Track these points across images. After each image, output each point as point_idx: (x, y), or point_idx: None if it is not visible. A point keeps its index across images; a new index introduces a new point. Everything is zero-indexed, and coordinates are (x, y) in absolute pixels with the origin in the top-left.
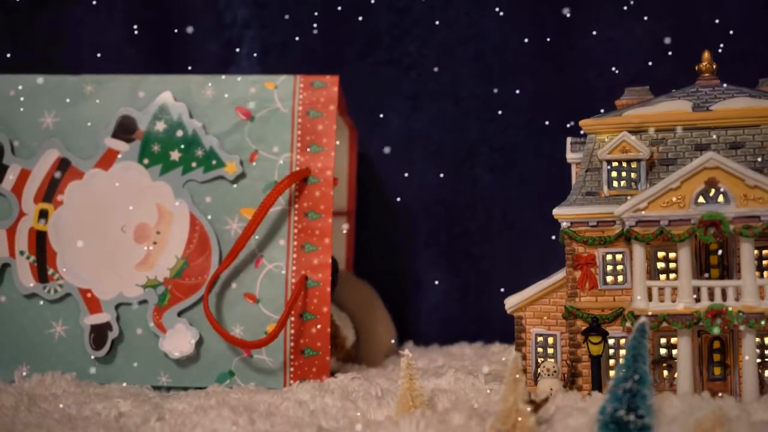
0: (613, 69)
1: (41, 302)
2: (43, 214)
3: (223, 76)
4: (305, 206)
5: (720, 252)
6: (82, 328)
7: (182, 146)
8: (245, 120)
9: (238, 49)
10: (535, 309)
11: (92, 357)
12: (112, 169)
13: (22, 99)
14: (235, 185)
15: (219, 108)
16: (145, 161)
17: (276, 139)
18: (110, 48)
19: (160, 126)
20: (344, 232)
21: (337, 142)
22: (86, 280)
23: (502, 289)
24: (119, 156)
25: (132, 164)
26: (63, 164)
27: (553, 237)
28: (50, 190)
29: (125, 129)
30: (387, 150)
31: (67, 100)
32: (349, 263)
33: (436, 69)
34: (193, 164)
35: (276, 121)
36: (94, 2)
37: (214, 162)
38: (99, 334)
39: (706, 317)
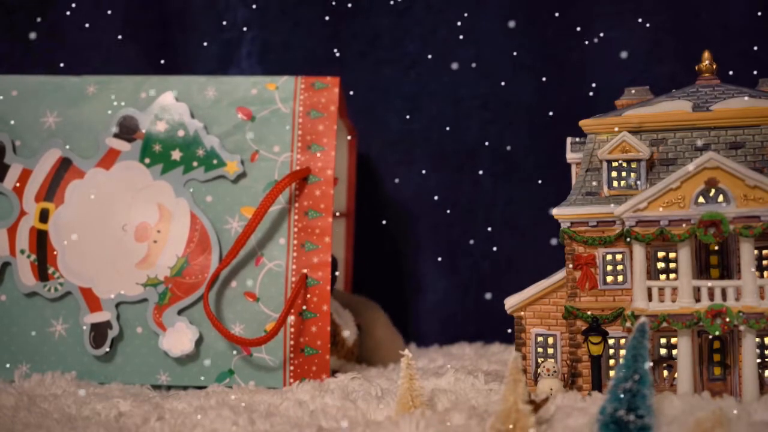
0: (613, 69)
1: (41, 301)
2: (44, 214)
3: (225, 77)
4: (305, 205)
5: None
6: (83, 327)
7: (183, 146)
8: (246, 120)
9: (238, 50)
10: (535, 309)
11: (92, 355)
12: (114, 168)
13: (24, 99)
14: (236, 185)
15: (220, 108)
16: (147, 161)
17: (277, 139)
18: (110, 48)
19: (162, 126)
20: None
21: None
22: (87, 278)
23: (502, 289)
24: (120, 155)
25: (133, 164)
26: (64, 164)
27: (553, 241)
28: (51, 190)
29: (127, 129)
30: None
31: (69, 101)
32: (349, 264)
33: (436, 69)
34: (194, 164)
35: (277, 121)
36: (94, 2)
37: (215, 161)
38: (99, 332)
39: (706, 317)
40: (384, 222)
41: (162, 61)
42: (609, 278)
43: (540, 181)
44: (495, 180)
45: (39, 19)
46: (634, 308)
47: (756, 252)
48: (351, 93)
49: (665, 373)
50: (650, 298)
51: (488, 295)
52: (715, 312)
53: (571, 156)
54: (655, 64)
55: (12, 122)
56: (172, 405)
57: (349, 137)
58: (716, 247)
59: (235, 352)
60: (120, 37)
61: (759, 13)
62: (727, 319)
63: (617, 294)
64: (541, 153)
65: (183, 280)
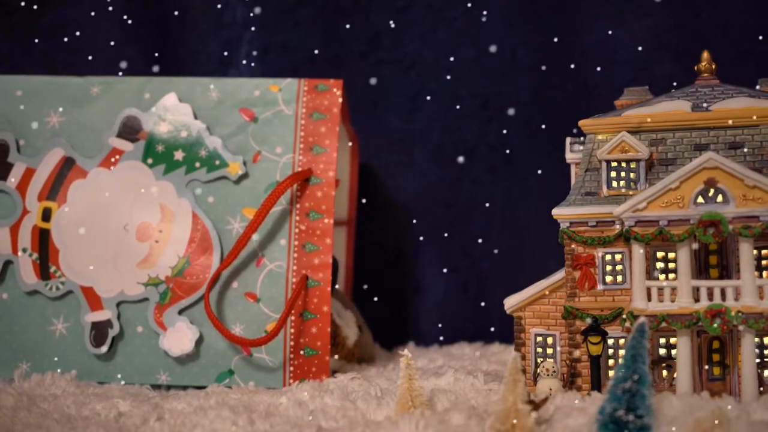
0: (613, 69)
1: (43, 299)
2: (47, 212)
3: (228, 79)
4: (307, 206)
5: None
6: (83, 326)
7: (186, 146)
8: (249, 121)
9: (238, 50)
10: (535, 309)
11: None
12: (116, 168)
13: (28, 99)
14: (237, 185)
15: (223, 109)
16: (149, 161)
17: (279, 140)
18: (110, 48)
19: (165, 126)
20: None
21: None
22: (88, 277)
23: (502, 289)
24: (123, 155)
25: (136, 164)
26: (67, 163)
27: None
28: (54, 189)
29: (130, 129)
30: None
31: (73, 101)
32: (350, 270)
33: (436, 69)
34: (197, 164)
35: (279, 122)
36: (95, 3)
37: (217, 162)
38: (100, 331)
39: (705, 317)
40: (384, 222)
41: (162, 61)
42: (608, 278)
43: (539, 181)
44: (494, 180)
45: (39, 19)
46: (633, 308)
47: (755, 252)
48: (351, 93)
49: (665, 373)
50: (649, 298)
51: (488, 296)
52: (715, 312)
53: (570, 156)
54: (655, 64)
55: (16, 122)
56: (172, 405)
57: (351, 145)
58: (716, 247)
59: (235, 353)
60: (120, 37)
61: (759, 13)
62: (727, 319)
63: (616, 294)
64: (541, 153)
65: (184, 280)
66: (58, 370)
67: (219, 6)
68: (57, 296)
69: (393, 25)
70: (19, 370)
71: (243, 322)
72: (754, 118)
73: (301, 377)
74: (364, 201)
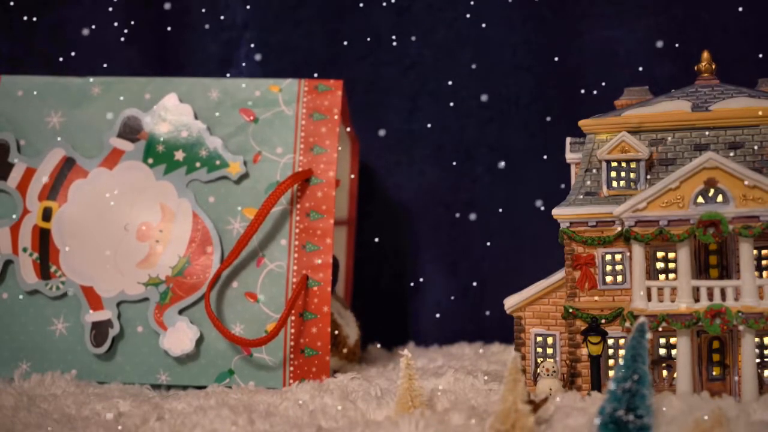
0: (613, 69)
1: (43, 299)
2: (47, 212)
3: (228, 79)
4: (307, 206)
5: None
6: (83, 326)
7: (187, 147)
8: (249, 122)
9: (237, 50)
10: (535, 309)
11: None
12: (117, 168)
13: (29, 99)
14: (238, 185)
15: (224, 110)
16: (150, 161)
17: (279, 140)
18: (110, 48)
19: (166, 127)
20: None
21: (339, 148)
22: (88, 277)
23: (502, 289)
24: (124, 155)
25: (136, 164)
26: (68, 163)
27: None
28: (55, 189)
29: (130, 129)
30: (383, 133)
31: (74, 101)
32: (349, 267)
33: (436, 69)
34: (197, 164)
35: (280, 123)
36: (95, 2)
37: (217, 162)
38: (100, 331)
39: (705, 317)
40: (384, 222)
41: (162, 61)
42: (608, 278)
43: (539, 181)
44: (495, 180)
45: (39, 19)
46: (633, 308)
47: (755, 252)
48: (351, 93)
49: (665, 373)
50: (649, 298)
51: (488, 296)
52: (715, 312)
53: (570, 156)
54: (655, 64)
55: (17, 122)
56: (172, 405)
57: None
58: (715, 247)
59: (235, 353)
60: (120, 37)
61: (759, 13)
62: (727, 319)
63: (616, 294)
64: (541, 153)
65: (184, 280)
66: (59, 370)
67: (219, 6)
68: (57, 296)
69: (393, 26)
70: (19, 370)
71: (243, 322)
72: (760, 114)
73: (301, 377)
74: (363, 199)
